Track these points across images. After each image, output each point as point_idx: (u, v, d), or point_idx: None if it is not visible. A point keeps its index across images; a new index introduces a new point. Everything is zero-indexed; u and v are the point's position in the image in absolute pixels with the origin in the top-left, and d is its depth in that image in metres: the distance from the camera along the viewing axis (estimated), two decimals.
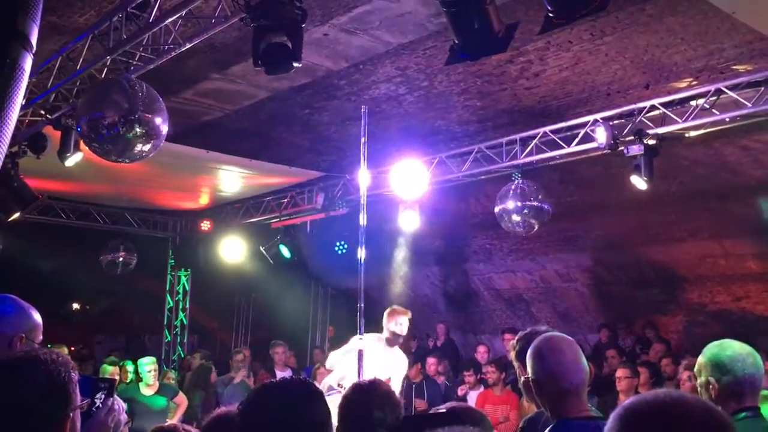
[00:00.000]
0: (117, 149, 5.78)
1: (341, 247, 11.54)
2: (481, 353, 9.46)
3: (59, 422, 1.95)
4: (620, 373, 6.95)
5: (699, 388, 2.90)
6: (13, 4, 1.25)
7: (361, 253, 5.97)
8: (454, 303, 12.96)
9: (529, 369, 2.65)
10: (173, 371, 10.81)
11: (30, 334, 2.58)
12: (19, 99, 1.30)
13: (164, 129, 5.83)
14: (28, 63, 1.35)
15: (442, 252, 12.32)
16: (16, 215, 7.94)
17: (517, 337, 3.09)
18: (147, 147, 5.80)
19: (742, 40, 5.79)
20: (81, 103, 5.96)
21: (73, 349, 11.82)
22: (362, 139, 5.73)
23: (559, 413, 2.56)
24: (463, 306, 12.93)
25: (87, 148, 6.08)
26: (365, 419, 2.66)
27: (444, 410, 2.81)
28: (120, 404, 2.42)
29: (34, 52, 1.36)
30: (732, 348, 2.84)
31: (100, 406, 2.34)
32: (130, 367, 9.02)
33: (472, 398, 8.31)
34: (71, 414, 1.99)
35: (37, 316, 2.66)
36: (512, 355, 3.09)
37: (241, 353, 9.56)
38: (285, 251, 11.25)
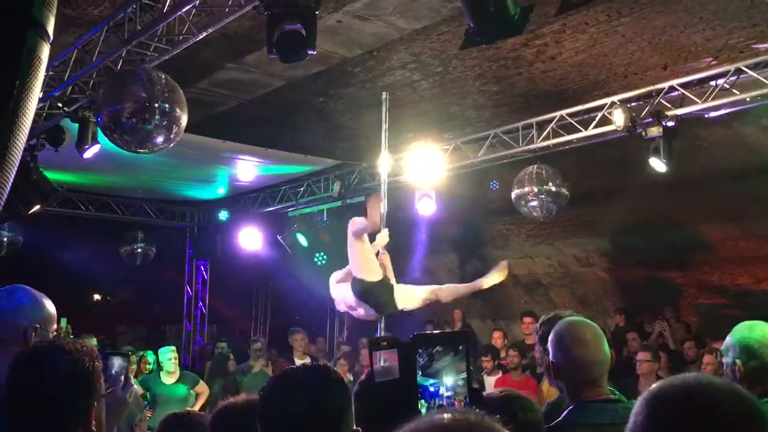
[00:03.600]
0: (137, 140, 5.81)
1: (320, 258, 11.42)
2: (496, 338, 9.44)
3: (84, 411, 1.97)
4: (641, 356, 6.92)
5: (724, 368, 2.87)
6: None
7: (384, 239, 6.03)
8: None
9: (550, 353, 2.65)
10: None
11: (44, 323, 2.58)
12: (37, 89, 1.31)
13: (184, 119, 5.84)
14: (45, 52, 1.35)
15: (459, 238, 12.29)
16: (36, 208, 8.01)
17: (540, 321, 3.08)
18: (167, 137, 5.82)
19: (762, 18, 5.69)
20: (101, 95, 5.98)
21: (96, 339, 11.95)
22: (384, 126, 5.75)
23: (577, 396, 2.58)
24: (480, 292, 12.87)
25: (107, 139, 6.11)
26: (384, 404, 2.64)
27: (499, 396, 2.78)
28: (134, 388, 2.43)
29: (50, 41, 1.36)
30: (762, 332, 2.80)
31: (115, 378, 2.35)
32: (150, 357, 9.10)
33: (490, 383, 8.31)
34: (96, 403, 2.02)
35: (51, 306, 2.66)
36: (535, 339, 3.08)
37: (258, 342, 9.61)
38: (302, 239, 11.21)
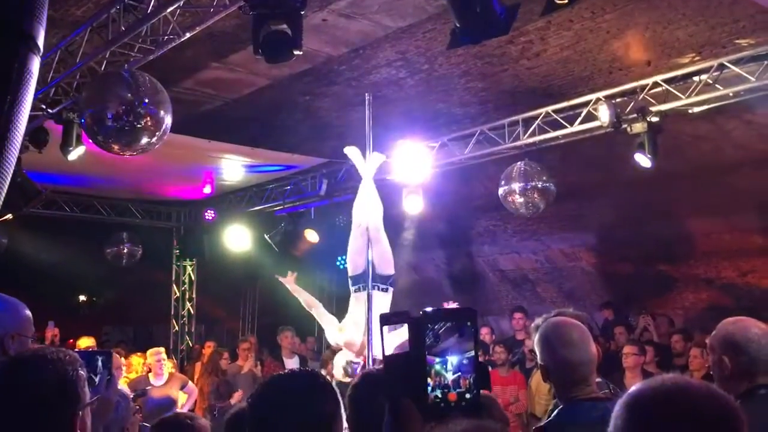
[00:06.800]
0: (121, 142, 5.77)
1: (342, 262, 11.37)
2: (484, 334, 9.47)
3: (69, 421, 1.95)
4: (627, 349, 6.97)
5: (711, 364, 2.89)
6: (19, 6, 1.25)
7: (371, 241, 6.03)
8: (460, 285, 12.97)
9: (538, 355, 2.68)
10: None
11: (21, 330, 2.51)
12: (28, 102, 1.30)
13: (168, 120, 5.81)
14: (35, 65, 1.35)
15: (447, 235, 12.31)
16: (21, 210, 7.93)
17: (540, 321, 3.07)
18: (152, 138, 5.78)
19: (744, 13, 5.74)
20: (84, 96, 5.94)
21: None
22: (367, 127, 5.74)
23: (567, 396, 2.62)
24: (468, 288, 12.94)
25: (91, 140, 6.07)
26: (376, 409, 2.64)
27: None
28: (125, 391, 2.41)
29: (41, 53, 1.36)
30: (747, 327, 2.81)
31: (99, 378, 2.32)
32: (138, 359, 9.05)
33: None
34: (81, 412, 2.00)
35: (27, 312, 2.59)
36: (531, 336, 3.09)
37: (246, 341, 9.55)
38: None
